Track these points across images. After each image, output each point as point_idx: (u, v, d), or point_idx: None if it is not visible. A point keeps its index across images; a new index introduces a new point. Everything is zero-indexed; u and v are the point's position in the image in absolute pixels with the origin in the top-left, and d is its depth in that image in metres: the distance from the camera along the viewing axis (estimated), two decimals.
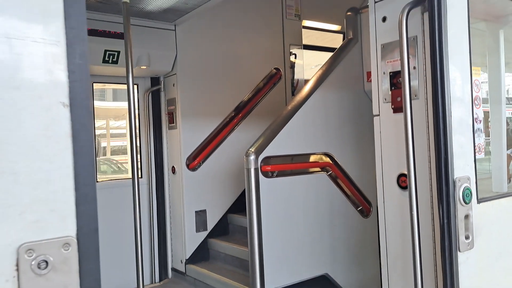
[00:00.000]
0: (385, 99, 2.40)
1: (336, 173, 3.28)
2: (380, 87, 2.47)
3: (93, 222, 1.17)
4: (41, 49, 1.09)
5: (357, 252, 3.45)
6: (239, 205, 4.18)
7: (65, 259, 1.12)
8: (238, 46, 4.28)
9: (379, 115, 2.54)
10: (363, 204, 3.42)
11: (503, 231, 2.41)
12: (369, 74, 3.04)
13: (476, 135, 2.21)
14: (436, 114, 2.04)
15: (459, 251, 2.11)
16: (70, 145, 1.14)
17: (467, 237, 2.16)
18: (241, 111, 4.24)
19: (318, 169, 3.22)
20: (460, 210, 2.11)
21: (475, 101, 2.21)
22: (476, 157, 2.20)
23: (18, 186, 1.08)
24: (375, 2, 2.43)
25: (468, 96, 2.16)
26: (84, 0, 1.14)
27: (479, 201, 2.22)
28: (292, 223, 3.08)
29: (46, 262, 1.10)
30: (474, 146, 2.18)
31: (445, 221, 2.08)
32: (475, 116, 2.20)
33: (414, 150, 2.11)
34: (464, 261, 2.15)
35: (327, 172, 3.24)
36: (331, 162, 3.25)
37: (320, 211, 3.23)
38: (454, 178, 2.08)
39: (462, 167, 2.13)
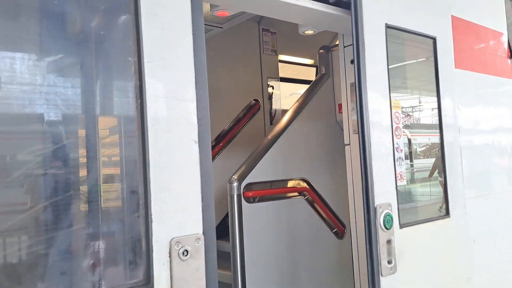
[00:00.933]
0: (354, 131, 2.67)
1: (312, 197, 3.51)
2: (350, 119, 2.76)
3: (211, 224, 1.62)
4: (183, 104, 1.58)
5: (335, 272, 3.65)
6: (220, 231, 4.33)
7: (197, 249, 1.56)
8: (219, 79, 4.54)
9: (349, 144, 2.81)
10: (338, 226, 3.65)
11: (428, 255, 2.50)
12: (340, 106, 3.34)
13: (397, 163, 2.38)
14: (362, 145, 2.21)
15: (382, 275, 2.19)
16: (198, 170, 1.60)
17: (389, 262, 2.24)
18: (222, 140, 4.46)
19: (295, 193, 3.45)
20: (382, 236, 2.21)
21: (396, 132, 2.43)
22: (398, 184, 2.36)
23: (170, 198, 1.52)
24: (344, 47, 2.74)
25: (388, 127, 2.35)
26: (206, 71, 1.66)
27: (401, 226, 2.34)
28: (273, 246, 3.25)
29: (187, 251, 1.53)
30: (396, 174, 2.36)
31: (367, 246, 2.16)
32: (395, 145, 2.41)
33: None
34: (387, 285, 2.22)
35: (304, 196, 3.47)
36: (307, 186, 3.48)
37: (299, 234, 3.43)
38: (375, 205, 2.22)
39: (383, 193, 2.26)
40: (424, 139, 2.90)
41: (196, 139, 1.62)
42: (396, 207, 2.35)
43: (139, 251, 1.47)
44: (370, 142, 2.25)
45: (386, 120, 2.36)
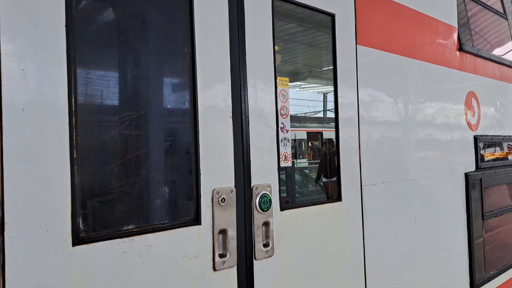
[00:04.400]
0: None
1: None
2: None
3: (241, 181, 2.12)
4: (222, 87, 2.09)
5: None
6: None
7: (231, 199, 2.06)
8: None
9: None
10: None
11: (313, 239, 2.45)
12: None
13: (281, 143, 2.32)
14: (240, 123, 2.16)
15: (255, 259, 2.15)
16: (232, 138, 2.10)
17: (266, 245, 2.19)
18: None
19: None
20: (257, 217, 2.16)
21: (281, 111, 2.37)
22: (282, 165, 2.31)
23: (213, 158, 2.01)
24: None
25: (271, 106, 2.28)
26: (241, 61, 2.20)
27: (282, 208, 2.28)
28: None
29: (224, 199, 2.03)
30: (279, 155, 2.29)
31: (239, 227, 2.11)
32: (280, 125, 2.35)
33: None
34: (262, 269, 2.17)
35: None
36: None
37: None
38: (252, 185, 2.16)
39: (262, 174, 2.21)
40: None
41: (231, 114, 2.09)
42: (277, 188, 2.28)
43: (191, 197, 1.95)
44: (249, 119, 2.17)
45: (269, 97, 2.28)
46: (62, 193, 1.54)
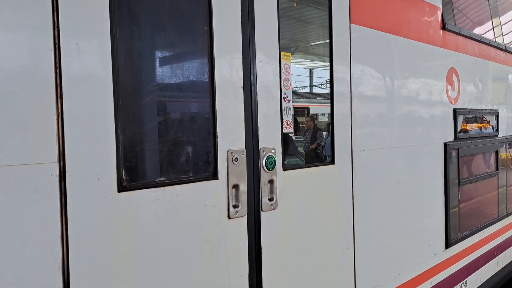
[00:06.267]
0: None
1: None
2: None
3: (250, 144, 2.46)
4: (235, 60, 2.40)
5: None
6: None
7: (242, 159, 2.40)
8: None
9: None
10: None
11: (310, 196, 2.84)
12: None
13: (284, 112, 2.65)
14: (251, 93, 2.47)
15: (262, 210, 2.52)
16: (243, 105, 2.43)
17: (270, 199, 2.56)
18: None
19: None
20: (264, 175, 2.52)
21: (284, 83, 2.69)
22: (285, 131, 2.65)
23: (227, 123, 2.35)
24: None
25: (276, 78, 2.60)
26: (251, 43, 2.52)
27: (285, 168, 2.65)
28: None
29: (237, 158, 2.36)
30: (282, 122, 2.63)
31: (250, 184, 2.46)
32: (283, 95, 2.66)
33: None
34: (268, 219, 2.54)
35: None
36: None
37: None
38: (259, 148, 2.51)
39: (268, 139, 2.55)
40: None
41: (242, 85, 2.42)
42: (280, 151, 2.62)
43: (210, 156, 2.28)
44: (257, 90, 2.48)
45: (274, 70, 2.59)
46: (109, 149, 1.85)
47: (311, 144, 4.59)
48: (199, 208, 2.20)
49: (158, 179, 2.08)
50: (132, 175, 1.98)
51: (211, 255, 2.25)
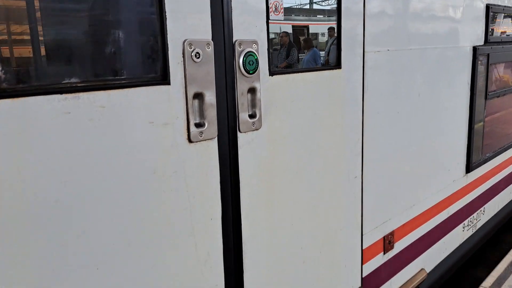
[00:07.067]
0: None
1: None
2: None
3: (220, 33, 1.67)
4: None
5: None
6: None
7: (207, 55, 1.61)
8: None
9: None
10: None
11: (307, 110, 2.09)
12: None
13: None
14: None
15: (239, 131, 1.79)
16: None
17: (252, 115, 1.82)
18: None
19: None
20: (242, 82, 1.75)
21: None
22: (272, 18, 1.85)
23: None
24: None
25: None
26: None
27: (272, 73, 1.87)
28: None
29: (199, 53, 1.58)
30: (268, 5, 1.81)
31: (221, 94, 1.72)
32: None
33: None
34: (248, 142, 1.83)
35: None
36: None
37: None
38: (234, 40, 1.72)
39: (247, 27, 1.76)
40: None
41: None
42: (266, 48, 1.84)
43: (155, 48, 1.51)
44: None
45: None
46: None
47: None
48: (141, 128, 1.48)
49: (66, 81, 1.32)
50: (17, 73, 1.23)
51: (163, 194, 1.57)
